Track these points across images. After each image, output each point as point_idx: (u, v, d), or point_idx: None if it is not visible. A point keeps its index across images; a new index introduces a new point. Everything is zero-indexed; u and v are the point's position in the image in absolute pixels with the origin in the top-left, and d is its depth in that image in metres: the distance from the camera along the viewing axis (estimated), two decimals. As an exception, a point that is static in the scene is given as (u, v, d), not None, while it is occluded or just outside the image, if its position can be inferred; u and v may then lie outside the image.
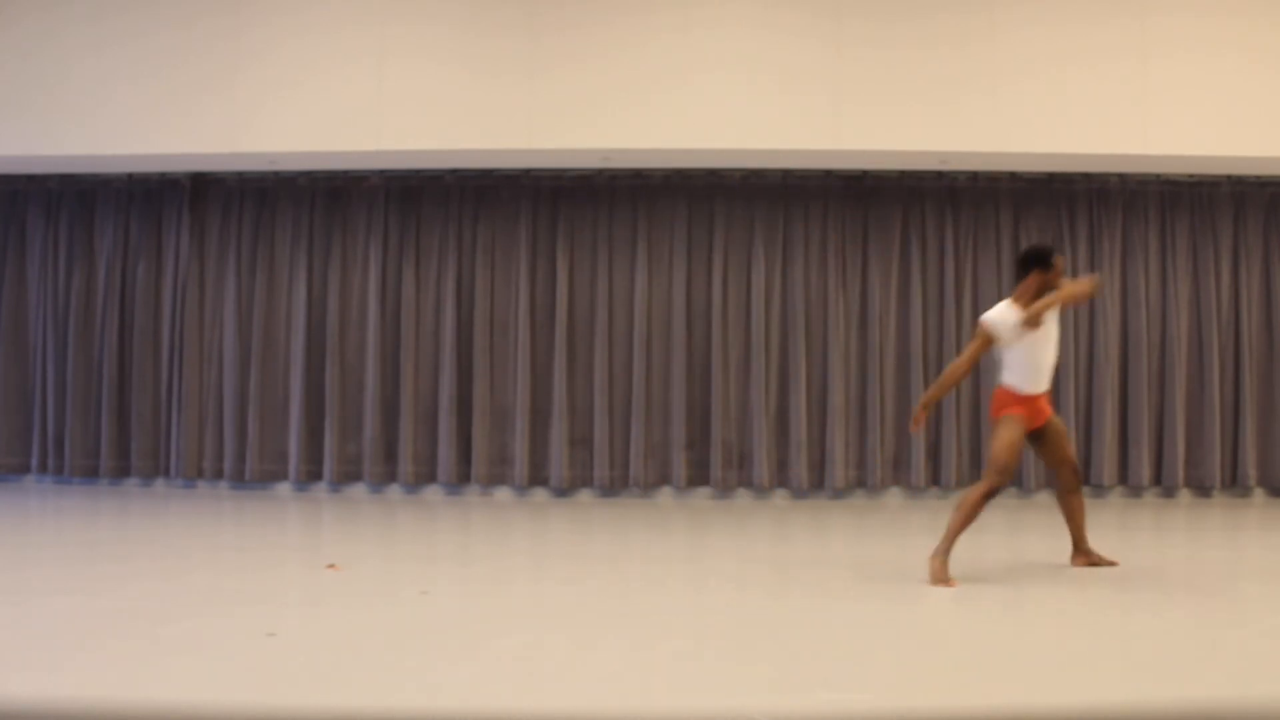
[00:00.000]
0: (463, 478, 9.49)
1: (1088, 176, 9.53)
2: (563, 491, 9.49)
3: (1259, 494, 9.56)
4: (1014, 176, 9.53)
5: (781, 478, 9.43)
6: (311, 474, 9.57)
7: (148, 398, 9.72)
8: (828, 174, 9.51)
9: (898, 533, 7.65)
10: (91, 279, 9.87)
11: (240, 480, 9.62)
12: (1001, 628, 4.53)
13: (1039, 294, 5.75)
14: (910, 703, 3.39)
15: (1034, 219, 9.59)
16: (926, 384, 9.47)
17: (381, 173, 9.60)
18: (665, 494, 9.49)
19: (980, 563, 6.32)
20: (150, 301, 9.79)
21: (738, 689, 3.54)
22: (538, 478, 9.48)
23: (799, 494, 9.45)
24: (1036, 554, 6.66)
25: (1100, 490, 9.47)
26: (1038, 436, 5.79)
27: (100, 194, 9.85)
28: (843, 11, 8.52)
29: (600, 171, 9.50)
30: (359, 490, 9.58)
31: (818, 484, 9.43)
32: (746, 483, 9.44)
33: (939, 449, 9.45)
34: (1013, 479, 5.92)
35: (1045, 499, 9.44)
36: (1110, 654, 4.05)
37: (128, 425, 9.73)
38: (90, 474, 9.72)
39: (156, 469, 9.73)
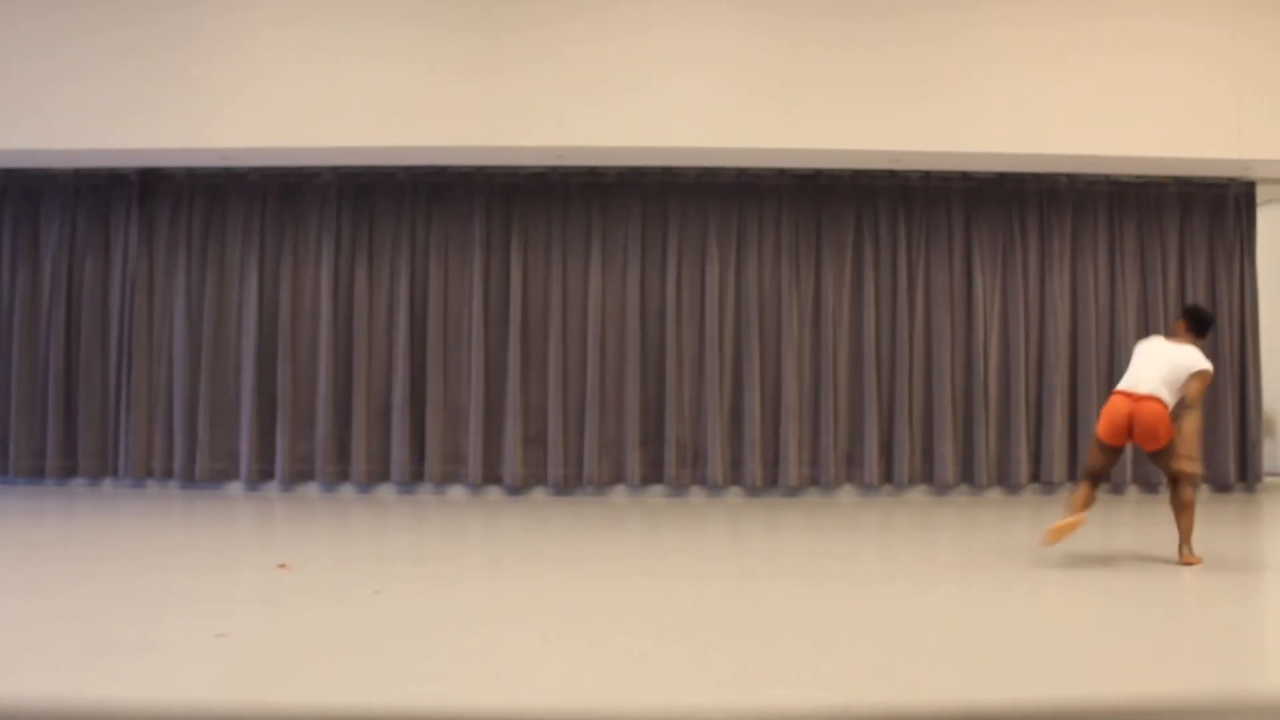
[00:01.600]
0: (416, 476, 9.44)
1: (1038, 176, 9.65)
2: (516, 490, 9.47)
3: (1204, 490, 9.71)
4: (965, 176, 9.63)
5: (735, 476, 9.47)
6: (263, 473, 9.49)
7: (95, 396, 9.58)
8: (781, 172, 9.55)
9: (850, 530, 7.70)
10: (37, 276, 9.71)
11: (190, 480, 9.52)
12: (957, 623, 4.57)
13: None
14: (865, 699, 3.41)
15: (985, 218, 9.69)
16: (880, 382, 9.55)
17: (334, 169, 9.53)
18: (619, 492, 9.50)
19: (937, 559, 6.38)
20: (98, 299, 9.65)
21: (694, 686, 3.55)
22: (491, 476, 9.46)
23: (752, 492, 9.48)
24: (989, 548, 6.74)
25: (1050, 487, 9.61)
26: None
27: (46, 189, 9.70)
28: (796, 11, 8.56)
29: (554, 169, 9.48)
30: (311, 489, 9.51)
31: (771, 482, 9.48)
32: (700, 481, 9.46)
33: (891, 447, 9.53)
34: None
35: (995, 495, 9.56)
36: (1060, 647, 4.10)
37: (74, 424, 9.59)
38: (36, 474, 9.57)
39: (104, 469, 9.59)
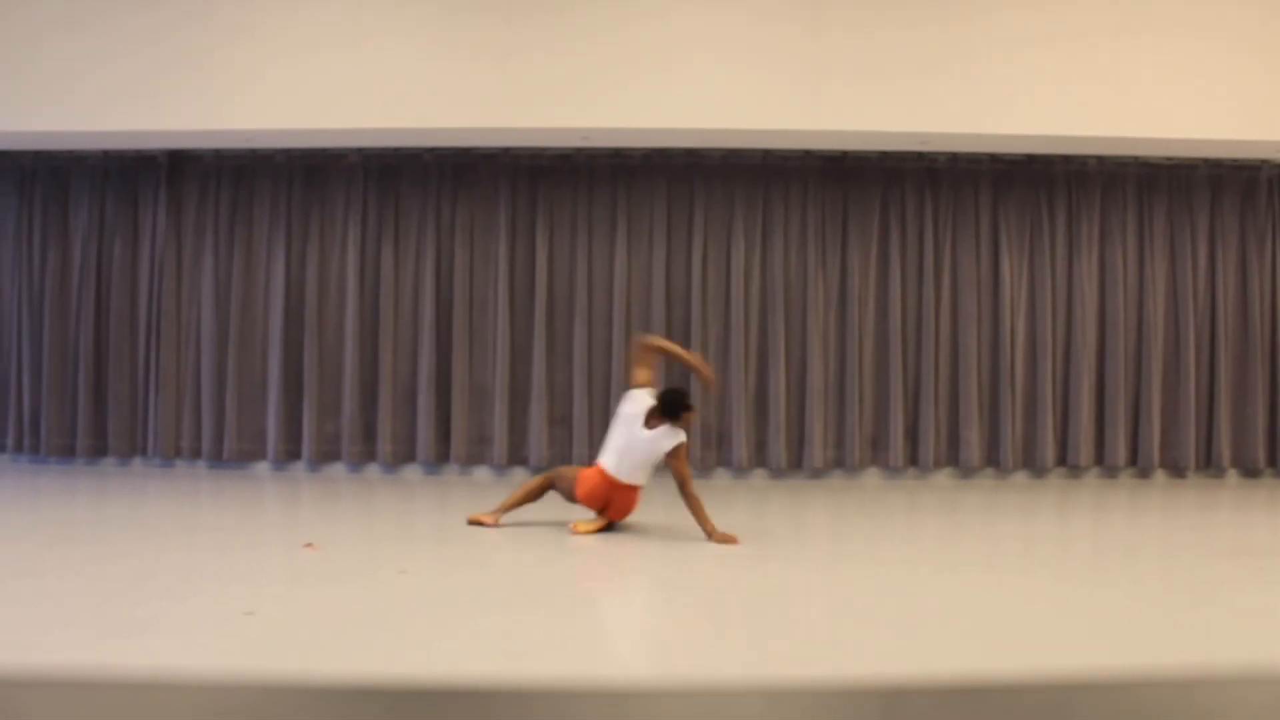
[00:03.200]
0: (441, 457, 9.48)
1: (1066, 158, 9.57)
2: (542, 470, 9.49)
3: (1233, 475, 9.65)
4: (993, 158, 9.56)
5: (760, 458, 9.46)
6: (290, 453, 9.55)
7: (125, 377, 9.66)
8: (807, 154, 9.51)
9: (875, 512, 7.69)
10: (67, 257, 9.79)
11: (218, 460, 9.59)
12: (978, 604, 4.57)
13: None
14: (885, 676, 3.41)
15: (1013, 200, 9.63)
16: (905, 365, 9.52)
17: (360, 151, 9.55)
18: (644, 474, 9.50)
19: (958, 544, 6.37)
20: (127, 280, 9.72)
21: (713, 665, 3.56)
22: (517, 457, 9.49)
23: (777, 474, 9.48)
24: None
25: (1076, 471, 9.56)
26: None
27: (75, 171, 9.77)
28: (823, -9, 8.50)
29: (579, 151, 9.47)
30: (337, 470, 9.57)
31: (796, 464, 9.47)
32: (725, 463, 9.47)
33: (917, 430, 9.50)
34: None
35: (1021, 479, 9.53)
36: (1083, 630, 4.09)
37: (104, 405, 9.68)
38: (66, 454, 9.67)
39: (133, 448, 9.68)
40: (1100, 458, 9.55)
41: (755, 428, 9.46)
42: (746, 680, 3.39)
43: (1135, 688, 3.27)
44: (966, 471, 9.53)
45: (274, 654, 3.64)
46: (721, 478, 9.47)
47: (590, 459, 9.34)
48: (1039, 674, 3.43)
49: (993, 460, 9.53)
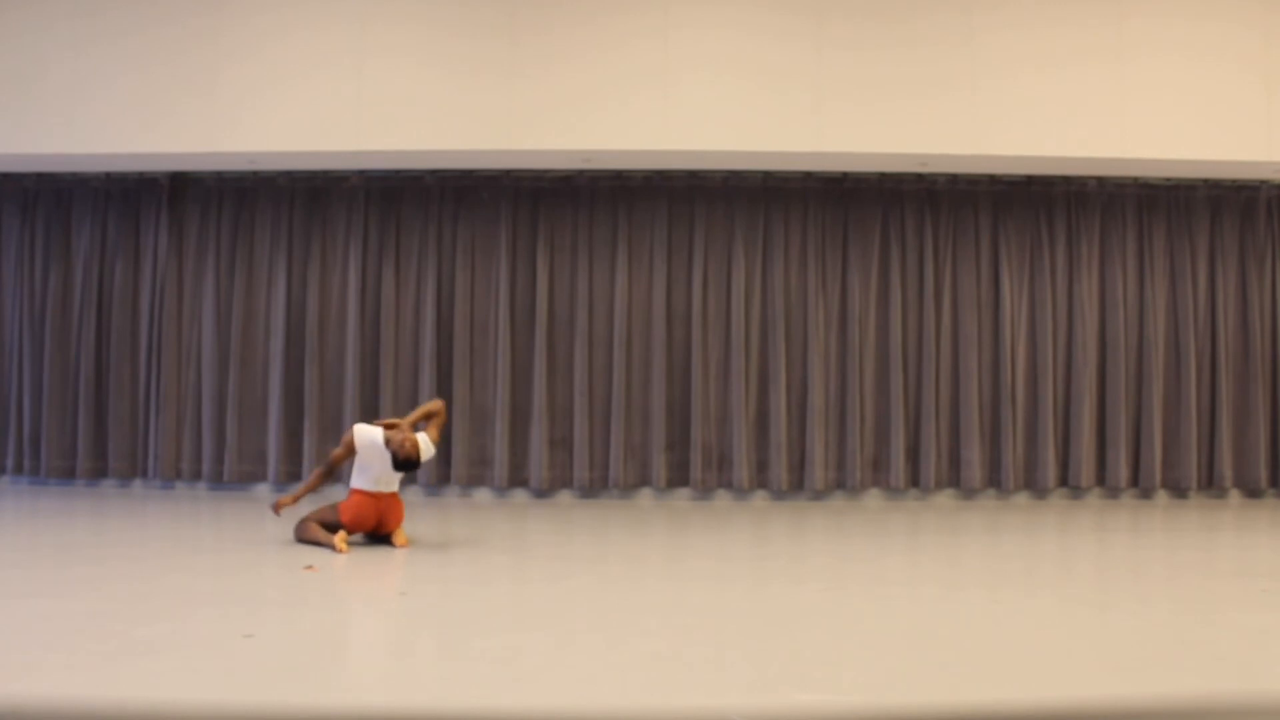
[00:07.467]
0: (442, 478, 9.47)
1: (1066, 179, 9.59)
2: (542, 492, 9.48)
3: (1235, 495, 9.64)
4: (993, 179, 9.58)
5: (761, 479, 9.45)
6: (290, 475, 9.53)
7: (125, 398, 9.66)
8: (808, 176, 9.53)
9: (877, 534, 7.67)
10: (68, 279, 9.80)
11: (219, 481, 9.58)
12: (980, 627, 4.55)
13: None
14: (888, 701, 3.39)
15: (1012, 221, 9.64)
16: (906, 386, 9.52)
17: (361, 173, 9.58)
18: (645, 495, 9.49)
19: (960, 565, 6.35)
20: (128, 301, 9.73)
21: (715, 689, 3.55)
22: (517, 478, 9.47)
23: (778, 495, 9.47)
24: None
25: (1078, 492, 9.54)
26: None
27: (77, 193, 9.80)
28: (823, 13, 8.55)
29: (581, 173, 9.50)
30: (338, 492, 9.53)
31: (797, 485, 9.46)
32: (726, 484, 9.46)
33: (918, 451, 9.49)
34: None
35: (1022, 500, 9.51)
36: (1087, 652, 4.07)
37: (105, 426, 9.67)
38: (67, 475, 9.66)
39: (134, 470, 9.67)
40: (1102, 478, 9.54)
41: (756, 449, 9.45)
42: (747, 706, 3.37)
43: (1141, 718, 3.26)
44: (968, 492, 9.52)
45: (273, 678, 3.62)
46: (722, 499, 9.46)
47: (591, 481, 9.37)
48: (1047, 704, 3.41)
49: (994, 481, 9.52)
